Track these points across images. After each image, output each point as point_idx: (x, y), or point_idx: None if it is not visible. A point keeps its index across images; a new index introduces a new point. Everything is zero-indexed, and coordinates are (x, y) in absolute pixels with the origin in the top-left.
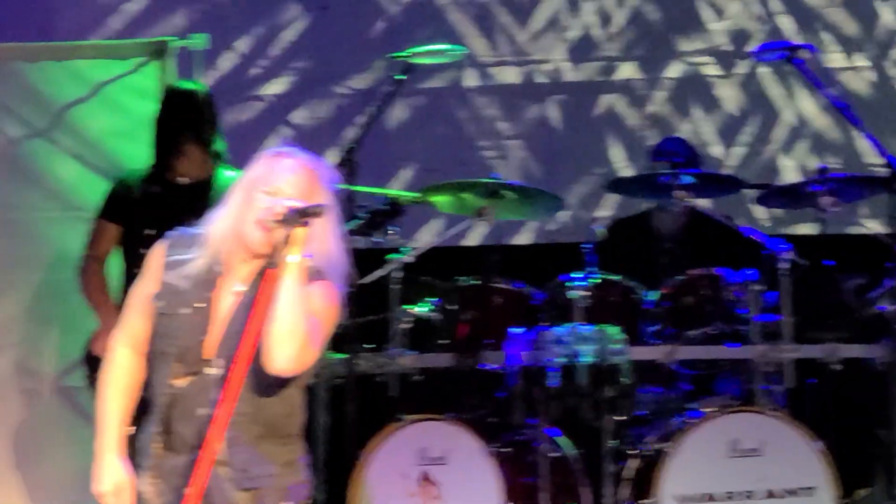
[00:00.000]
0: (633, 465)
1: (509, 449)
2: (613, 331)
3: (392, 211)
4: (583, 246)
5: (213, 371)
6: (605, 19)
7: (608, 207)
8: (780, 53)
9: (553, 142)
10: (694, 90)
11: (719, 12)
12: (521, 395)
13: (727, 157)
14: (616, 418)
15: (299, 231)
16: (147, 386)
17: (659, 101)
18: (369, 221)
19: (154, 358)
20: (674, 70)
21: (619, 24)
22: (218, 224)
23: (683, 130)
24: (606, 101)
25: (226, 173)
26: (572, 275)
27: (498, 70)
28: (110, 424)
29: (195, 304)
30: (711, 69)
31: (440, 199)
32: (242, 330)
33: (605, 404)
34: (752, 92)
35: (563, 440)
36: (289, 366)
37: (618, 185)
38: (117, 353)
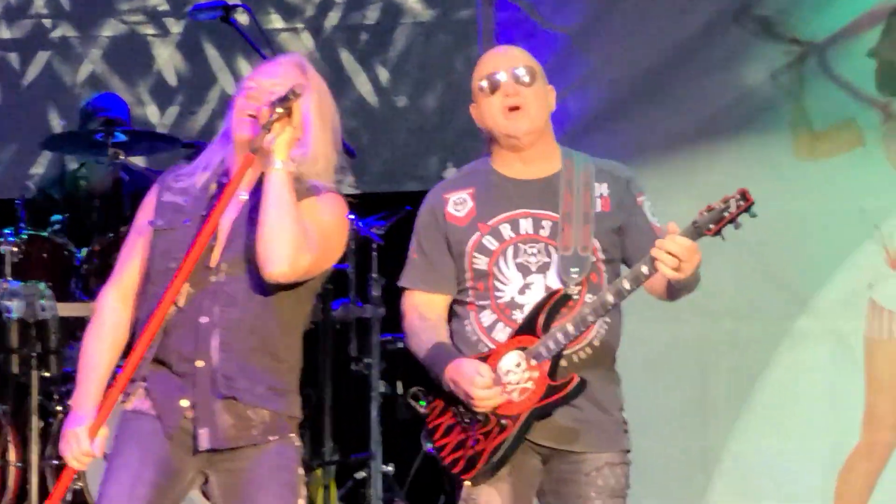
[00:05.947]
0: (59, 421)
1: None
2: (42, 287)
3: None
4: (16, 202)
5: (215, 279)
6: None
7: (43, 164)
8: (216, 13)
9: None
10: (131, 50)
11: None
12: None
13: (163, 116)
14: (43, 374)
15: (280, 121)
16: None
17: (95, 60)
18: None
19: (156, 278)
20: (110, 28)
21: None
22: (216, 140)
23: (120, 89)
24: (42, 58)
25: None
26: (3, 230)
27: None
28: (89, 380)
29: (199, 215)
30: (148, 28)
31: None
32: (244, 235)
33: (33, 360)
34: (189, 52)
35: None
36: (281, 269)
37: (53, 142)
38: (106, 308)
